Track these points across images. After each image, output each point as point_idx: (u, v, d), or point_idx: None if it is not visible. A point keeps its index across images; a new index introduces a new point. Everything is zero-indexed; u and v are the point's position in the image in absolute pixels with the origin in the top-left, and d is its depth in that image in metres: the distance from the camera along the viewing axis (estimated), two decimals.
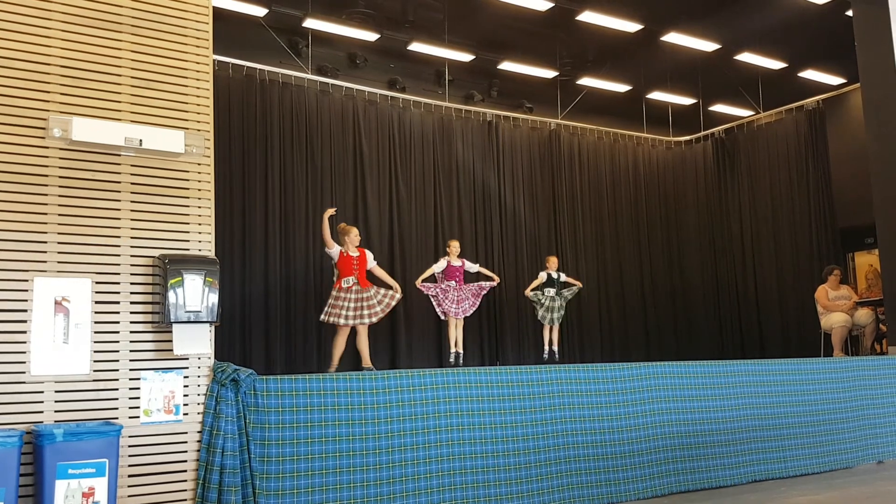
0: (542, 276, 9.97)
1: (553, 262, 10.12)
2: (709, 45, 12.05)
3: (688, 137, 14.08)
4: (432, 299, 8.81)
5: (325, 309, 7.60)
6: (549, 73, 12.82)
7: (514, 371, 5.68)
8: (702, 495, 6.11)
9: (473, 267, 9.18)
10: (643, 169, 13.68)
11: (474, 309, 9.07)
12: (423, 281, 8.83)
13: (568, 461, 5.66)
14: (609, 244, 13.01)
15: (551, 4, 10.56)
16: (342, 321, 7.48)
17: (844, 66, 12.08)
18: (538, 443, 5.57)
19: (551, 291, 9.88)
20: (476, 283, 9.16)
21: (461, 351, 8.94)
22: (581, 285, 10.30)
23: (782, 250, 12.32)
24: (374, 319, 7.66)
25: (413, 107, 11.53)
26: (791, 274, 12.10)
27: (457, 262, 8.97)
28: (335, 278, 7.72)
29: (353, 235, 7.84)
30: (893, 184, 8.84)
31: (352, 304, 7.52)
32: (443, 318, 9.00)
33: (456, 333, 8.89)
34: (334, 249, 7.68)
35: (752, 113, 13.50)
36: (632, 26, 11.33)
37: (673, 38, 11.72)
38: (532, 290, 9.95)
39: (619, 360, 10.06)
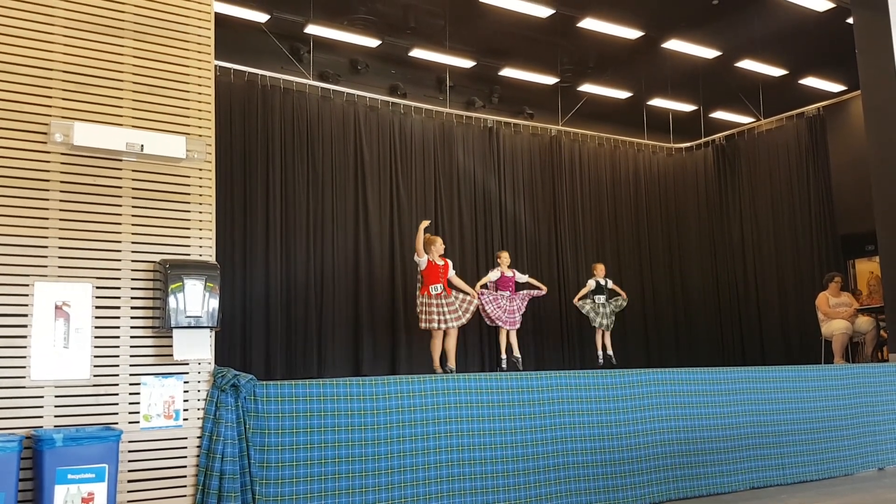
0: (591, 283, 9.88)
1: (600, 269, 10.00)
2: (709, 52, 12.07)
3: (688, 144, 14.09)
4: (485, 306, 8.74)
5: (422, 317, 7.93)
6: (549, 80, 12.84)
7: (513, 377, 5.68)
8: (700, 502, 6.10)
9: (523, 277, 9.17)
10: (644, 175, 13.69)
11: (520, 313, 9.05)
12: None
13: (566, 468, 5.65)
14: (609, 251, 13.01)
15: (552, 11, 10.58)
16: (442, 325, 7.88)
17: (845, 74, 12.10)
18: (536, 449, 5.56)
19: (601, 298, 9.85)
20: (525, 292, 9.09)
21: (519, 356, 8.95)
22: (626, 297, 10.15)
23: (783, 257, 12.32)
24: (464, 321, 8.06)
25: (414, 113, 11.55)
26: (792, 280, 12.10)
27: (508, 273, 8.96)
28: (420, 285, 8.04)
29: (439, 245, 8.14)
30: (894, 191, 8.84)
31: (445, 309, 7.91)
32: (491, 324, 8.92)
33: (509, 339, 8.95)
34: (423, 258, 7.98)
35: (752, 120, 13.51)
36: (632, 33, 11.36)
37: (673, 45, 11.75)
38: (580, 298, 9.87)
39: (619, 365, 10.04)
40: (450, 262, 8.21)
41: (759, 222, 12.72)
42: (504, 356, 8.91)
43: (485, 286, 8.83)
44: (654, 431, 6.13)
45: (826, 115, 12.08)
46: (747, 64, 12.45)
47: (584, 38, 11.47)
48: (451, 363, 8.06)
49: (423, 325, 7.98)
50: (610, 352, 9.92)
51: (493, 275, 8.90)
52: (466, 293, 8.23)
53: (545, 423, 5.65)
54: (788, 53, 12.16)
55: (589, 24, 11.01)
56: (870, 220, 9.20)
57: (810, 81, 13.08)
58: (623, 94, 13.55)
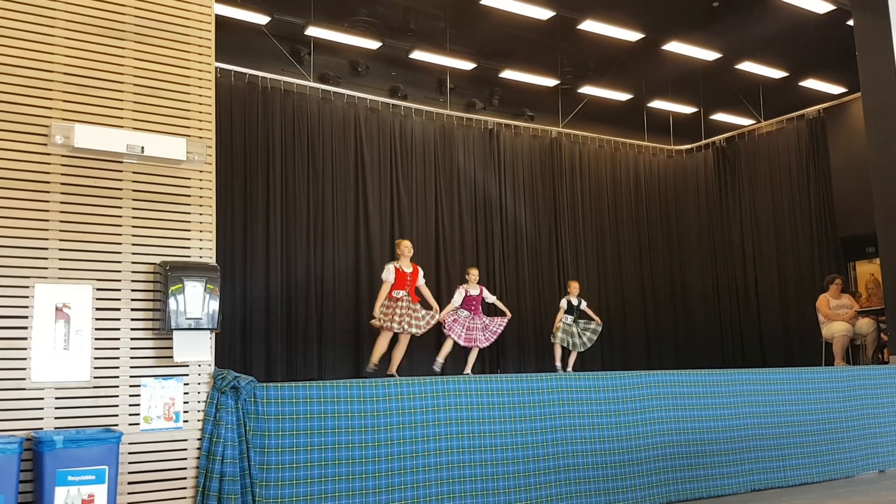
0: (563, 303, 9.89)
1: (575, 287, 9.98)
2: (710, 54, 12.08)
3: (689, 146, 14.10)
4: (450, 331, 8.69)
5: (377, 314, 7.91)
6: (550, 82, 12.85)
7: (514, 379, 5.68)
8: None
9: (490, 297, 9.12)
10: (644, 177, 13.70)
11: (488, 344, 9.02)
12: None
13: (567, 470, 5.64)
14: (610, 252, 13.02)
15: (553, 13, 10.59)
16: (395, 326, 7.85)
17: (845, 76, 12.11)
18: (537, 451, 5.56)
19: (569, 319, 9.82)
20: (495, 319, 9.03)
21: (440, 368, 8.94)
22: (601, 323, 10.11)
23: (783, 259, 12.32)
24: (420, 332, 8.05)
25: (414, 115, 11.56)
26: (792, 282, 12.10)
27: (475, 291, 8.89)
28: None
29: (404, 248, 8.14)
30: (894, 193, 8.84)
31: (405, 313, 7.87)
32: (457, 341, 8.83)
33: (469, 354, 8.95)
34: (389, 276, 7.99)
35: (752, 122, 13.52)
36: (633, 35, 11.36)
37: (674, 46, 11.75)
38: (559, 321, 9.88)
39: (620, 368, 10.04)
40: (420, 270, 8.20)
41: (760, 224, 12.73)
42: (469, 370, 8.85)
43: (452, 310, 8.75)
44: (654, 433, 6.12)
45: (826, 116, 12.08)
46: (748, 66, 12.46)
47: (585, 40, 11.47)
48: (393, 370, 8.01)
49: (376, 322, 7.88)
50: (570, 369, 9.84)
51: (458, 298, 8.77)
52: (429, 307, 8.20)
53: (545, 424, 5.65)
54: (789, 55, 12.17)
55: (589, 25, 11.01)
56: (870, 222, 9.19)
57: (811, 83, 13.09)
58: (623, 96, 13.55)
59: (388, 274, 7.99)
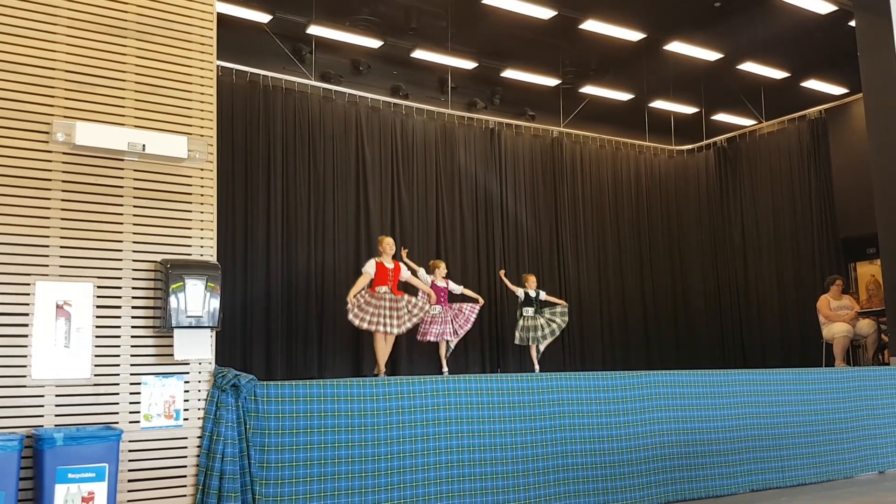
0: (520, 293, 9.72)
1: (532, 280, 9.85)
2: (711, 55, 12.08)
3: (690, 146, 14.09)
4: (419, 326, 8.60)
5: (358, 313, 7.64)
6: (551, 81, 12.84)
7: (514, 378, 5.68)
8: None
9: (457, 288, 9.03)
10: (645, 177, 13.69)
11: (457, 338, 8.94)
12: None
13: (566, 469, 5.65)
14: (611, 252, 13.01)
15: (554, 13, 10.59)
16: (381, 328, 7.64)
17: (847, 76, 12.10)
18: (536, 451, 5.56)
19: (530, 311, 9.71)
20: (465, 305, 8.96)
21: (447, 370, 8.93)
22: (565, 304, 10.05)
23: (784, 259, 12.32)
24: (402, 329, 7.82)
25: (416, 114, 11.55)
26: (793, 283, 12.09)
27: (441, 284, 8.85)
28: (369, 284, 7.87)
29: (386, 245, 7.99)
30: (895, 194, 8.84)
31: (386, 312, 7.67)
32: (425, 339, 8.78)
33: (441, 350, 8.90)
34: (370, 269, 7.81)
35: (754, 122, 13.51)
36: (634, 35, 11.36)
37: (675, 47, 11.75)
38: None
39: (620, 367, 10.02)
40: (402, 266, 8.12)
41: (761, 224, 12.72)
42: (446, 369, 8.83)
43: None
44: (653, 433, 6.13)
45: (828, 117, 12.07)
46: (749, 66, 12.45)
47: (586, 39, 11.46)
48: (380, 368, 7.90)
49: (352, 317, 7.63)
50: (536, 365, 9.75)
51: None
52: (422, 293, 8.06)
53: (545, 424, 5.65)
54: (790, 56, 12.16)
55: (591, 25, 11.01)
56: (871, 223, 9.19)
57: (812, 84, 13.08)
58: (625, 96, 13.55)
59: (369, 267, 7.82)
